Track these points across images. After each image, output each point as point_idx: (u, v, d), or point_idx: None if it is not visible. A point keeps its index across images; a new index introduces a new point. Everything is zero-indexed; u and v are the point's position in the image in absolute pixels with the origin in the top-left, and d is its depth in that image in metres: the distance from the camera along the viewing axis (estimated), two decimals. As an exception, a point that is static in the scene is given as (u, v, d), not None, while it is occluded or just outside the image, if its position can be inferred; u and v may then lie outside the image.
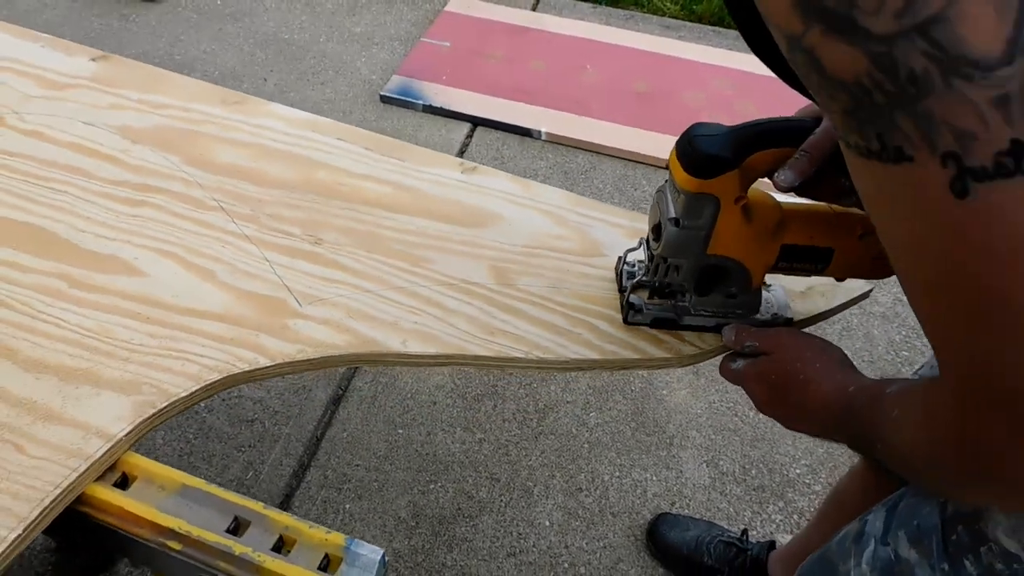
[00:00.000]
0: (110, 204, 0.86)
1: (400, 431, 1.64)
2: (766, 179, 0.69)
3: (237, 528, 0.64)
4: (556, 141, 2.27)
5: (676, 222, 0.69)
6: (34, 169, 0.89)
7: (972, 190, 0.36)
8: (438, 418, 1.67)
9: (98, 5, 2.59)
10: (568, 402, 1.72)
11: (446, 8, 2.68)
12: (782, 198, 0.73)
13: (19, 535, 0.58)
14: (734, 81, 2.41)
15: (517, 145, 2.25)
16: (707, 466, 1.62)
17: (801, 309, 0.83)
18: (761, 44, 0.53)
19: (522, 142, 2.26)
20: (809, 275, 0.76)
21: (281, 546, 0.63)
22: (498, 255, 0.86)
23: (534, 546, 1.48)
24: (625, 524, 1.52)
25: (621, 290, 0.82)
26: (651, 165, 2.22)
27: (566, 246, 0.88)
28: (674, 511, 1.53)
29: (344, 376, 1.72)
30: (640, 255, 0.80)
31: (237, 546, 0.61)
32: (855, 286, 0.86)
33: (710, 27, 2.74)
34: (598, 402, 1.72)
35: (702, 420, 1.70)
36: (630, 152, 2.23)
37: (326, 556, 0.62)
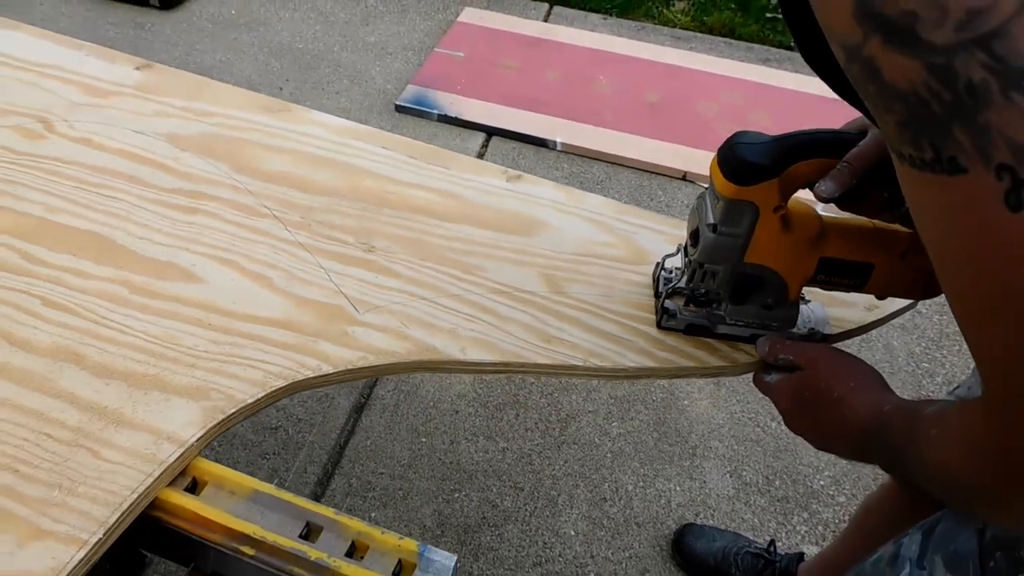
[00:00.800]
0: (165, 211, 0.86)
1: (423, 439, 1.64)
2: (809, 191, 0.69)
3: (309, 533, 0.64)
4: (571, 151, 2.28)
5: (714, 228, 0.70)
6: (87, 176, 0.89)
7: None
8: (461, 427, 1.67)
9: (113, 14, 2.60)
10: (590, 411, 1.72)
11: (459, 18, 2.69)
12: (823, 211, 0.73)
13: (100, 539, 0.59)
14: (746, 92, 2.44)
15: (533, 155, 2.26)
16: (730, 476, 1.62)
17: (852, 318, 0.84)
18: (815, 54, 0.54)
19: (537, 152, 2.27)
20: (848, 291, 0.76)
21: (354, 551, 0.63)
22: (547, 263, 0.87)
23: (560, 555, 1.48)
24: (650, 534, 1.52)
25: (657, 295, 0.83)
26: (666, 176, 2.23)
27: (614, 253, 0.89)
28: (699, 521, 1.53)
29: (366, 384, 1.72)
30: (678, 261, 0.81)
31: (312, 551, 0.61)
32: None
33: (721, 38, 2.77)
34: (620, 412, 1.72)
35: (724, 430, 1.70)
36: (645, 163, 2.24)
37: (399, 562, 0.62)
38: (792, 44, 2.83)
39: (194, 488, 0.66)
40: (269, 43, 2.55)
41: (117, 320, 0.75)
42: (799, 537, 1.54)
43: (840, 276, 0.74)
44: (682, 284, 0.78)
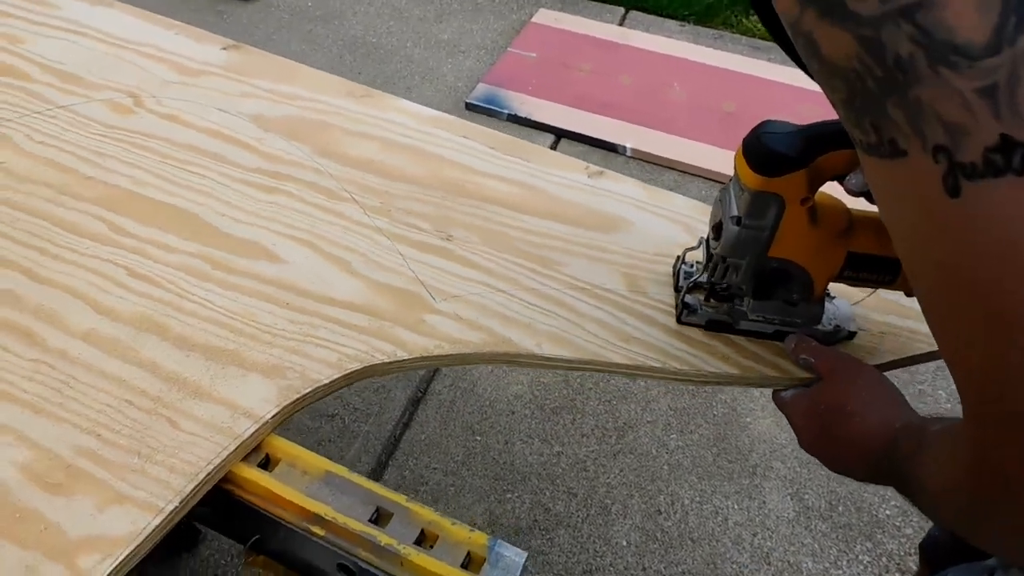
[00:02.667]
0: (247, 190, 0.87)
1: (478, 438, 1.63)
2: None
3: (379, 518, 0.63)
4: (641, 158, 2.25)
5: (737, 220, 0.68)
6: (173, 152, 0.91)
7: (963, 188, 0.34)
8: (516, 428, 1.66)
9: (194, 0, 2.67)
10: (648, 422, 1.69)
11: (533, 19, 2.69)
12: (852, 204, 0.70)
13: (176, 507, 0.59)
14: (822, 105, 2.36)
15: (601, 160, 2.23)
16: (791, 499, 1.57)
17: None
18: (786, 40, 0.52)
19: (606, 157, 2.25)
20: (875, 287, 0.73)
21: (423, 540, 0.62)
22: (628, 261, 0.85)
23: (611, 565, 1.45)
24: (706, 552, 1.48)
25: (676, 289, 0.81)
26: (736, 186, 2.18)
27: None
28: (756, 541, 1.49)
29: (423, 378, 1.72)
30: (699, 255, 0.78)
31: (382, 536, 0.60)
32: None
33: (798, 51, 2.70)
34: (679, 424, 1.69)
35: (787, 451, 1.65)
36: (717, 172, 2.20)
37: (468, 554, 0.61)
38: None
39: (267, 465, 0.66)
40: (343, 36, 2.59)
41: (199, 294, 0.75)
42: (861, 567, 1.48)
43: (868, 272, 0.71)
44: (703, 279, 0.75)
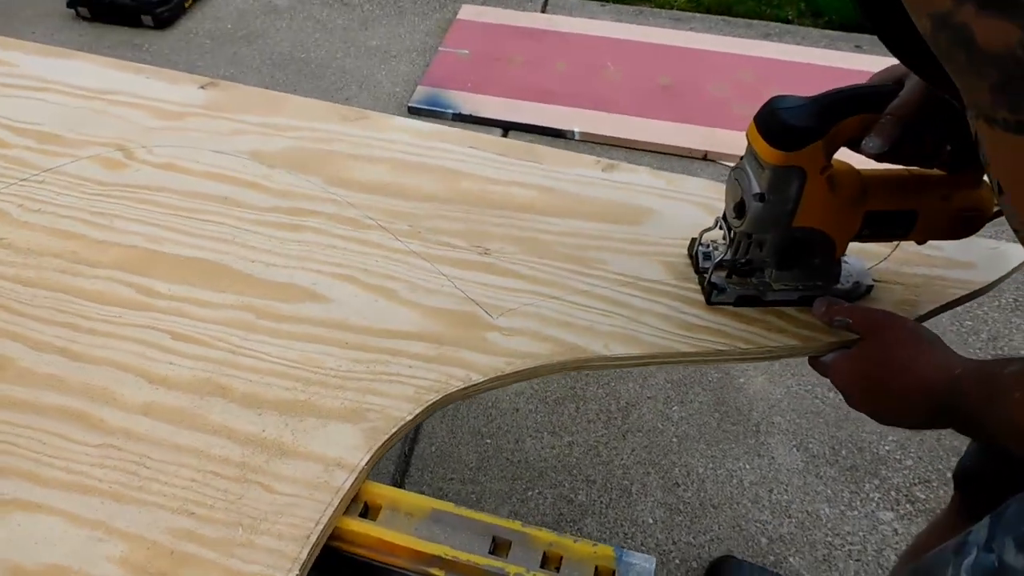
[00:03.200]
0: (269, 231, 0.83)
1: (488, 440, 1.62)
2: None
3: (496, 548, 0.62)
4: (589, 140, 2.27)
5: (761, 197, 0.69)
6: (179, 202, 0.86)
7: None
8: (523, 425, 1.65)
9: (108, 37, 2.53)
10: (649, 398, 1.71)
11: (458, 16, 2.66)
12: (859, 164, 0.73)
13: (296, 575, 0.56)
14: (755, 69, 2.43)
15: (551, 146, 2.23)
16: (797, 450, 1.62)
17: (976, 279, 0.83)
18: (888, 30, 0.53)
19: (555, 143, 2.25)
20: (891, 240, 0.77)
21: (546, 563, 0.61)
22: (665, 249, 0.85)
23: (642, 544, 1.47)
24: (728, 516, 1.51)
25: (699, 271, 0.82)
26: (687, 157, 2.22)
27: (727, 236, 0.87)
28: (773, 497, 1.53)
29: (422, 392, 1.70)
30: (715, 235, 0.80)
31: (509, 567, 0.59)
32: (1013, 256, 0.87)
33: (718, 16, 2.76)
34: (678, 395, 1.72)
35: (784, 405, 1.70)
36: (665, 145, 2.23)
37: (596, 569, 0.61)
38: (788, 17, 2.83)
39: (366, 512, 0.64)
40: (270, 55, 2.51)
41: (252, 347, 0.72)
42: (873, 504, 1.54)
43: (884, 228, 0.74)
44: (728, 257, 0.77)
